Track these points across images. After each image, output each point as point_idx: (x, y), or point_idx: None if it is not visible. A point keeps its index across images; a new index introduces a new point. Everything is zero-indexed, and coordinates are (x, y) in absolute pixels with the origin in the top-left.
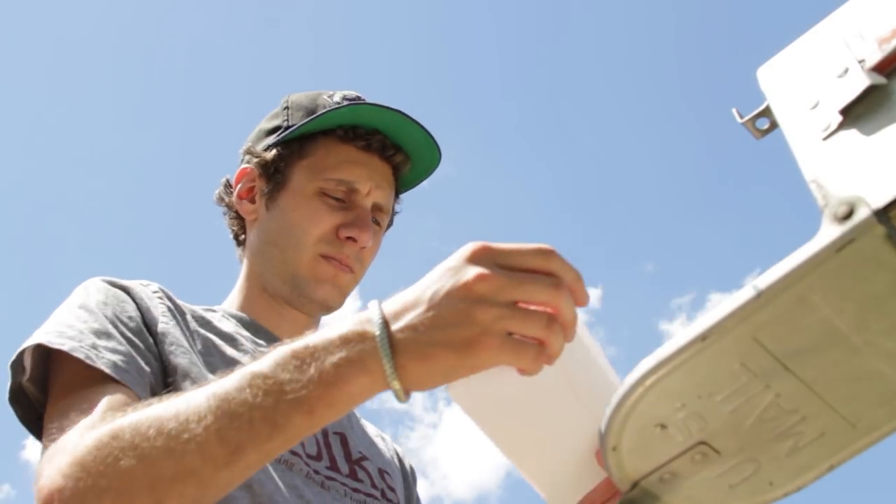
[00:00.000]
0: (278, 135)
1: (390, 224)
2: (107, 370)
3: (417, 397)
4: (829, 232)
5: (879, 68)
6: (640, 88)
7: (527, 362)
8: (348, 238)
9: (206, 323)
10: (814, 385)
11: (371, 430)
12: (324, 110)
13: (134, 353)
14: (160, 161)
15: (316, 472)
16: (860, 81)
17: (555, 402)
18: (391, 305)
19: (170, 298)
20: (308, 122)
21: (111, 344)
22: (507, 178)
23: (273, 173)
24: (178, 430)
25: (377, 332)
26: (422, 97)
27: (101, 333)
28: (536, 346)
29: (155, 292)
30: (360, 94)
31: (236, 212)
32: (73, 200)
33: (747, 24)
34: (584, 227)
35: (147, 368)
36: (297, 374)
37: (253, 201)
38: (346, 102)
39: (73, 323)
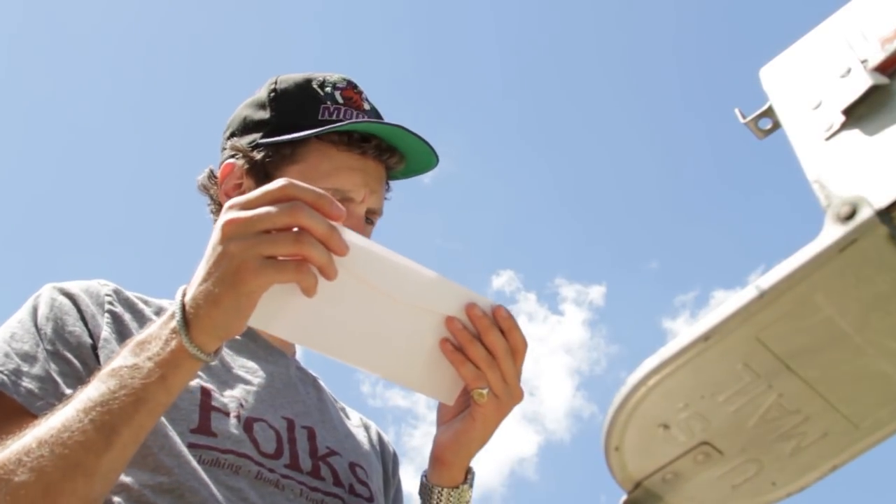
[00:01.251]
0: (266, 133)
1: (380, 214)
2: (19, 400)
3: (421, 397)
4: (831, 232)
5: (882, 68)
6: (644, 86)
7: (291, 276)
8: None
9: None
10: (817, 385)
11: (353, 420)
12: (321, 129)
13: (57, 378)
14: (154, 155)
15: (271, 470)
16: (863, 81)
17: (367, 306)
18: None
19: (125, 302)
20: (306, 135)
21: (34, 369)
22: (510, 175)
23: (263, 176)
24: (56, 433)
25: (176, 312)
26: (424, 92)
27: (29, 357)
28: (296, 261)
29: (107, 295)
30: (349, 79)
31: (220, 205)
32: (71, 197)
33: (749, 23)
34: (590, 225)
35: (69, 391)
36: (143, 354)
37: None
38: (346, 120)
39: (6, 344)
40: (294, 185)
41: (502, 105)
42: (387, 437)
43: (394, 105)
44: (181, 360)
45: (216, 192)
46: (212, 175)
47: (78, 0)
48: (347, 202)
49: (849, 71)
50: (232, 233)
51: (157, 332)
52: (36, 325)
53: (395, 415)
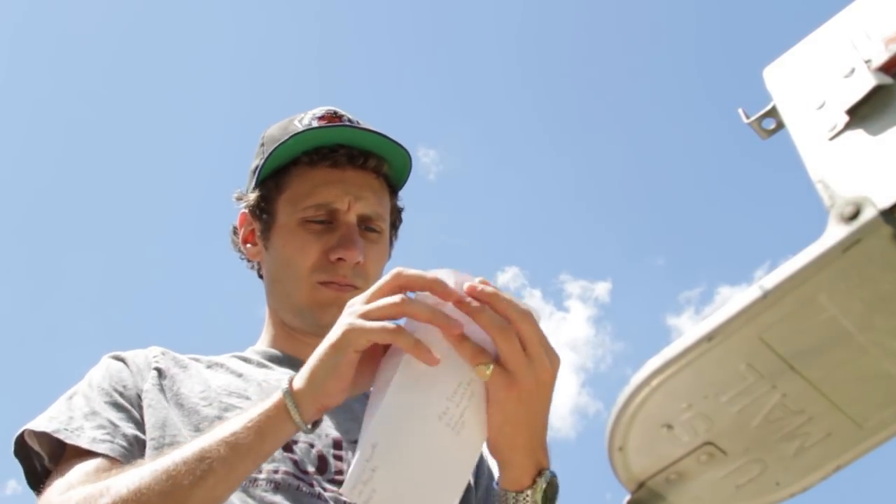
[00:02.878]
0: (255, 175)
1: (400, 220)
2: (84, 445)
3: None
4: (835, 232)
5: (886, 68)
6: (649, 82)
7: (385, 338)
8: (338, 259)
9: (219, 366)
10: (820, 385)
11: None
12: (273, 146)
13: (119, 424)
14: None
15: (311, 484)
16: (866, 81)
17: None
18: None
19: (172, 360)
20: (266, 160)
21: (96, 421)
22: (516, 171)
23: (261, 214)
24: (156, 472)
25: (284, 386)
26: (430, 89)
27: (90, 414)
28: (392, 329)
29: (155, 356)
30: (331, 109)
31: (246, 255)
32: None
33: (750, 22)
34: (596, 221)
35: (134, 433)
36: (246, 422)
37: (255, 244)
38: (299, 129)
39: (69, 408)
40: (403, 274)
41: (508, 101)
42: None
43: (399, 99)
44: (283, 420)
45: (240, 244)
46: (234, 230)
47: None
48: (334, 213)
49: (852, 71)
50: (347, 309)
51: (262, 405)
52: (93, 387)
53: None
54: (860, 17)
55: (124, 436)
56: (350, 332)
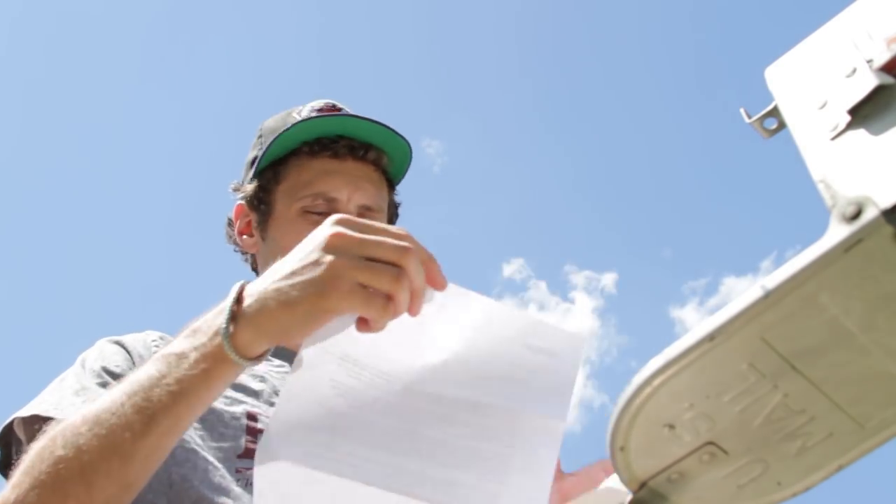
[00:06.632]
0: (253, 166)
1: (396, 216)
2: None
3: None
4: (837, 232)
5: (888, 68)
6: (656, 75)
7: (375, 311)
8: None
9: None
10: (822, 385)
11: None
12: (275, 136)
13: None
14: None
15: None
16: (868, 81)
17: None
18: (257, 279)
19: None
20: (267, 149)
21: (83, 397)
22: (520, 162)
23: (259, 205)
24: (99, 413)
25: (227, 303)
26: (434, 79)
27: (80, 390)
28: (384, 297)
29: (154, 341)
30: (330, 101)
31: (241, 247)
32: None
33: (751, 22)
34: (602, 212)
35: None
36: (192, 341)
37: (252, 235)
38: (298, 119)
39: (59, 391)
40: (412, 237)
41: (514, 92)
42: None
43: (403, 90)
44: (225, 356)
45: (235, 236)
46: (229, 222)
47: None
48: (334, 203)
49: (854, 71)
50: (338, 246)
51: (211, 319)
52: (85, 369)
53: None
54: (862, 17)
55: None
56: (339, 296)
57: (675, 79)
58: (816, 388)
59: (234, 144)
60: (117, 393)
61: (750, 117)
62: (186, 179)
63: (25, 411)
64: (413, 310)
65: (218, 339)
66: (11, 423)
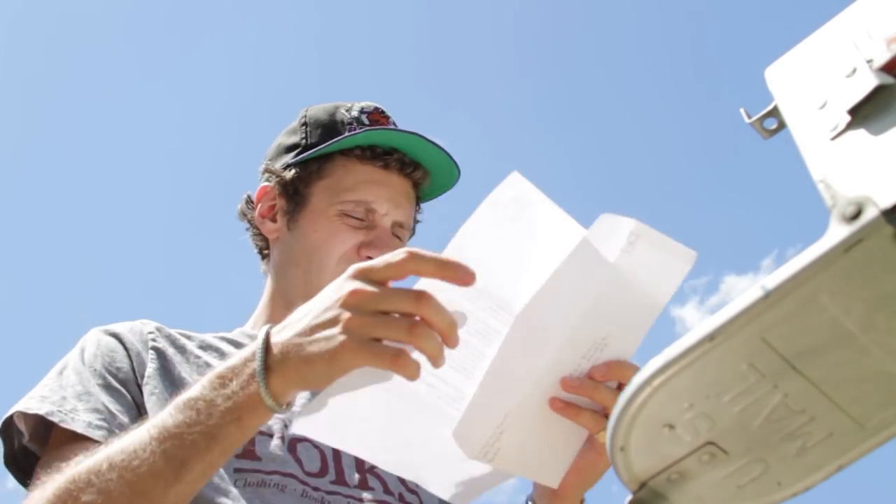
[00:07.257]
0: (297, 154)
1: (413, 234)
2: (79, 430)
3: None
4: (837, 232)
5: (888, 68)
6: (656, 73)
7: (386, 365)
8: (368, 257)
9: (212, 349)
10: (822, 385)
11: None
12: (340, 137)
13: (113, 409)
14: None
15: (315, 488)
16: (868, 81)
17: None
18: (277, 327)
19: (168, 338)
20: (327, 146)
21: (90, 404)
22: (519, 159)
23: (293, 193)
24: (127, 459)
25: (257, 354)
26: (435, 77)
27: (83, 394)
28: (396, 349)
29: (150, 333)
30: (378, 106)
31: (259, 229)
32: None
33: (751, 22)
34: (602, 210)
35: (127, 420)
36: (222, 391)
37: (274, 220)
38: (363, 129)
39: (60, 386)
40: (417, 255)
41: (512, 90)
42: None
43: (401, 90)
44: (259, 404)
45: (253, 216)
46: (249, 200)
47: None
48: (372, 213)
49: (854, 71)
50: (354, 304)
51: (239, 369)
52: (85, 364)
53: None
54: (862, 16)
55: (120, 425)
56: (349, 354)
57: (676, 78)
58: (816, 388)
59: (234, 144)
60: (145, 437)
61: (750, 117)
62: (186, 180)
63: (26, 406)
64: (450, 343)
65: (252, 388)
66: (12, 416)
